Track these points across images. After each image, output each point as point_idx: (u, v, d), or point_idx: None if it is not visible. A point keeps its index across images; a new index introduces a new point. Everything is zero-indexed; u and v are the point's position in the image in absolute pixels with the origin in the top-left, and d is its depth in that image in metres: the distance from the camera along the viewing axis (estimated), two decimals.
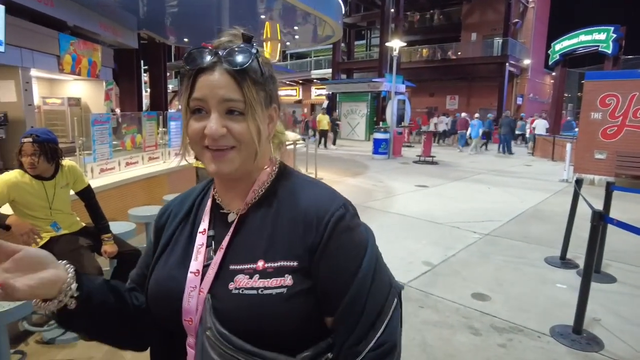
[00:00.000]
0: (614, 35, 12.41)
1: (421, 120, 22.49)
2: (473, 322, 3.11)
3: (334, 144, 17.68)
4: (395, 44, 13.56)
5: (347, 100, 21.58)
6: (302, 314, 0.70)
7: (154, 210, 3.72)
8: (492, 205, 6.98)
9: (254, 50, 0.70)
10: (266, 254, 0.71)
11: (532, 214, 6.48)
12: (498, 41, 23.61)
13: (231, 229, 0.75)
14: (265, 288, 0.68)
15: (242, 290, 0.69)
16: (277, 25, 9.41)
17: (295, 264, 0.70)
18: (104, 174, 4.02)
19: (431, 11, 27.83)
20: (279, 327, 0.68)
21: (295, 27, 10.33)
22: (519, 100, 24.90)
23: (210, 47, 0.71)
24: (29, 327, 2.76)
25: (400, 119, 18.01)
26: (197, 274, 0.73)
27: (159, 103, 13.19)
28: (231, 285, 0.70)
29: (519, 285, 3.80)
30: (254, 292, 0.68)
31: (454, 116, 20.10)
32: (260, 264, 0.70)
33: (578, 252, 4.19)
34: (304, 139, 9.90)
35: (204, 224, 0.79)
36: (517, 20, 24.46)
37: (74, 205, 2.86)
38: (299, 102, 31.92)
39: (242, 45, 0.70)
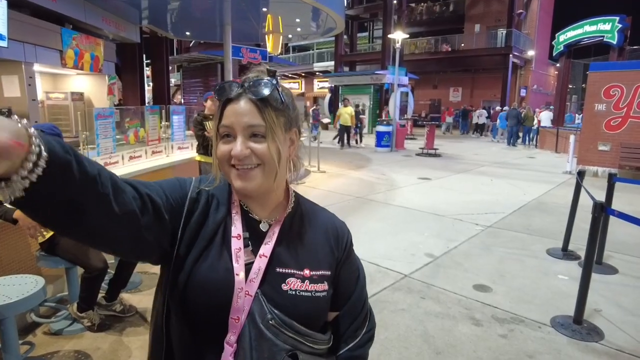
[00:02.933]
0: (619, 26, 12.27)
1: (447, 113, 22.57)
2: (474, 313, 3.14)
3: (358, 141, 15.31)
4: (398, 35, 13.48)
5: (350, 93, 21.49)
6: (328, 310, 0.93)
7: None
8: (494, 197, 6.98)
9: (274, 82, 0.81)
10: (311, 264, 0.88)
11: (535, 206, 6.48)
12: (502, 32, 23.41)
13: (273, 240, 0.86)
14: (316, 291, 0.87)
15: (298, 292, 0.85)
16: (279, 18, 9.37)
17: (329, 273, 0.90)
18: (108, 168, 4.04)
19: (434, 2, 27.61)
20: (321, 318, 0.91)
21: (297, 20, 10.27)
22: (523, 92, 24.75)
23: (238, 82, 0.82)
24: (37, 318, 2.81)
25: (403, 111, 17.98)
26: (241, 276, 0.82)
27: (162, 97, 13.20)
28: (284, 287, 0.84)
29: (521, 276, 3.82)
30: (309, 294, 0.86)
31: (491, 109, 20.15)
32: (307, 272, 0.87)
33: (580, 243, 4.20)
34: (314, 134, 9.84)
35: (236, 229, 0.85)
36: (521, 11, 24.23)
37: None
38: (302, 95, 31.83)
39: (265, 78, 0.81)
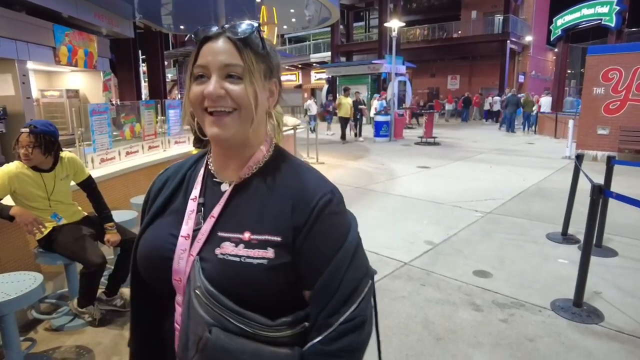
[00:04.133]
0: (617, 8, 12.18)
1: (447, 100, 22.52)
2: (475, 299, 3.14)
3: (359, 135, 14.08)
4: (394, 24, 13.39)
5: (347, 83, 21.31)
6: (281, 285, 0.76)
7: None
8: (494, 184, 6.97)
9: (255, 24, 0.77)
10: (253, 227, 0.76)
11: (535, 191, 6.48)
12: (499, 18, 23.24)
13: (224, 199, 0.80)
14: (248, 257, 0.74)
15: (227, 256, 0.75)
16: (273, 8, 9.30)
17: (279, 239, 0.75)
18: (105, 164, 4.04)
19: None
20: (258, 293, 0.74)
21: (292, 10, 10.20)
22: (521, 78, 24.64)
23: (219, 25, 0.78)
24: (38, 315, 2.82)
25: (401, 100, 17.89)
26: (187, 238, 0.79)
27: (158, 92, 13.15)
28: (217, 251, 0.76)
29: (521, 261, 3.82)
30: (237, 259, 0.74)
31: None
32: (247, 235, 0.76)
33: (580, 227, 4.18)
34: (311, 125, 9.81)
35: (195, 191, 0.84)
36: None
37: (75, 195, 2.89)
38: (299, 87, 31.72)
39: (244, 21, 0.77)
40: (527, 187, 6.68)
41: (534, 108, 15.79)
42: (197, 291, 0.74)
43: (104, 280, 2.87)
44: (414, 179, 7.52)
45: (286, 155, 0.87)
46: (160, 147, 5.06)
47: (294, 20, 11.58)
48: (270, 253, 0.75)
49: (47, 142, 2.54)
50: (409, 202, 5.93)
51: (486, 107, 21.03)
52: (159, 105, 5.19)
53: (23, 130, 2.53)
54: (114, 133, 4.55)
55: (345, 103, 12.87)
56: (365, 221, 4.93)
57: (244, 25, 0.76)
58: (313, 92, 30.38)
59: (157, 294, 0.85)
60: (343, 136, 13.24)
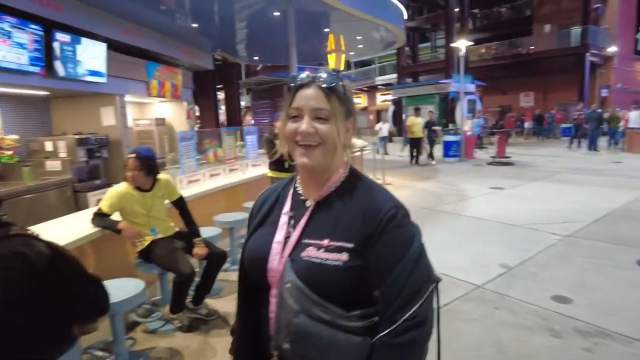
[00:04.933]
0: None
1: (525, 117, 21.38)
2: (553, 325, 3.01)
3: (431, 157, 12.76)
4: (462, 44, 13.22)
5: (414, 104, 21.24)
6: (353, 283, 0.92)
7: (236, 216, 4.09)
8: (574, 205, 6.55)
9: (340, 76, 0.99)
10: (331, 235, 0.95)
11: (621, 214, 6.00)
12: (576, 31, 21.92)
13: (308, 213, 1.01)
14: (327, 259, 0.92)
15: (311, 258, 0.94)
16: (341, 37, 9.65)
17: (352, 245, 0.93)
18: (191, 185, 4.46)
19: (499, 6, 26.60)
20: (334, 289, 0.92)
21: (358, 37, 10.50)
22: (604, 92, 22.82)
23: (309, 72, 0.99)
24: (137, 318, 3.17)
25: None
26: (280, 244, 0.99)
27: (234, 119, 14.03)
28: (303, 254, 0.95)
29: (606, 288, 3.58)
30: (319, 261, 0.93)
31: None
32: (326, 241, 0.94)
33: None
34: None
35: (286, 207, 1.05)
36: (598, 5, 22.55)
37: (167, 212, 3.25)
38: (364, 109, 32.02)
39: (332, 72, 0.99)
40: (613, 209, 6.20)
41: (620, 124, 14.57)
42: (287, 285, 0.92)
43: (190, 291, 3.17)
44: (486, 200, 7.29)
45: (359, 175, 1.05)
46: (239, 169, 5.46)
47: (360, 46, 11.88)
48: (344, 256, 0.92)
49: (149, 166, 2.93)
50: (481, 223, 5.77)
51: (567, 124, 19.50)
52: (238, 132, 5.61)
53: (130, 156, 2.94)
54: (198, 157, 5.00)
55: (417, 123, 12.20)
56: (434, 242, 4.87)
57: (330, 76, 0.97)
58: (379, 114, 30.51)
59: (259, 288, 1.04)
60: (415, 158, 12.52)
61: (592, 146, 14.61)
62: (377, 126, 16.86)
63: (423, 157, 12.85)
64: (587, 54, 21.16)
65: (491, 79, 23.22)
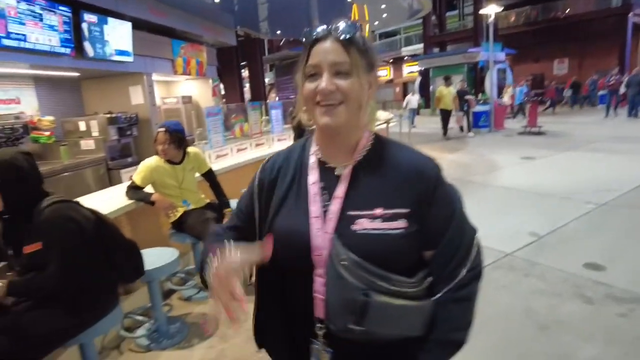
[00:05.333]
0: None
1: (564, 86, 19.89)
2: (585, 291, 2.97)
3: (468, 128, 12.16)
4: (491, 10, 12.66)
5: (442, 74, 20.55)
6: (412, 249, 0.90)
7: None
8: (610, 174, 6.30)
9: (357, 25, 0.89)
10: (382, 203, 0.88)
11: None
12: None
13: (345, 182, 0.92)
14: (389, 229, 0.87)
15: (368, 231, 0.87)
16: (364, 6, 9.42)
17: (408, 210, 0.88)
18: (219, 159, 4.54)
19: None
20: (398, 257, 0.88)
21: (383, 6, 10.22)
22: None
23: (324, 26, 0.90)
24: (173, 286, 3.32)
25: (501, 89, 16.81)
26: (318, 218, 0.90)
27: (259, 95, 14.06)
28: (354, 227, 0.88)
29: None
30: (379, 231, 0.87)
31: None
32: (379, 210, 0.88)
33: None
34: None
35: (312, 177, 0.95)
36: None
37: (198, 185, 3.34)
38: (390, 82, 31.40)
39: (347, 21, 0.89)
40: None
41: None
42: (343, 262, 0.84)
43: None
44: (517, 170, 7.12)
45: (385, 138, 0.99)
46: (265, 144, 5.51)
47: (385, 15, 11.57)
48: (402, 223, 0.87)
49: (179, 139, 3.00)
50: (511, 193, 5.66)
51: (622, 90, 17.87)
52: (263, 107, 5.64)
53: (159, 129, 3.01)
54: (226, 132, 5.07)
55: (447, 94, 11.33)
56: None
57: (348, 26, 0.87)
58: (406, 86, 29.87)
59: (294, 269, 0.94)
60: (445, 131, 11.78)
61: (633, 112, 13.89)
62: (406, 98, 16.40)
63: (455, 129, 12.19)
64: (630, 15, 19.83)
65: (522, 47, 22.25)
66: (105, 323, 1.95)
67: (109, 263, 2.01)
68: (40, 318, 1.75)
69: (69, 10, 4.97)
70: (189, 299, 3.24)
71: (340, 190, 0.91)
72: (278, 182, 0.98)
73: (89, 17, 5.31)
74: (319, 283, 0.90)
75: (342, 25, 0.88)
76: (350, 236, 0.87)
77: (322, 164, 0.96)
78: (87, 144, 5.78)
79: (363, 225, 0.87)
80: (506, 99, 14.19)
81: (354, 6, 9.42)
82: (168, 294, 3.31)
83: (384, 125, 8.07)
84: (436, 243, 0.90)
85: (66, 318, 1.80)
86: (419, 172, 0.91)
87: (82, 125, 5.89)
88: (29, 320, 1.73)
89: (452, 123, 11.83)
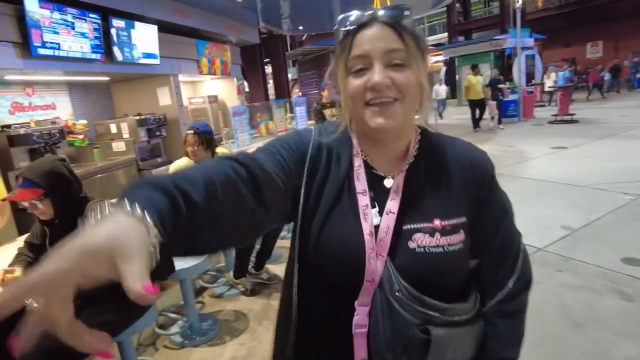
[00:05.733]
0: None
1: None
2: (624, 288, 2.87)
3: (499, 121, 11.34)
4: None
5: (468, 63, 20.09)
6: (466, 264, 0.79)
7: None
8: None
9: (407, 7, 0.74)
10: (441, 213, 0.75)
11: None
12: None
13: (399, 195, 0.76)
14: (450, 245, 0.73)
15: (427, 249, 0.72)
16: None
17: (464, 219, 0.76)
18: None
19: None
20: (458, 278, 0.77)
21: None
22: None
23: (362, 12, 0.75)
24: (204, 284, 3.41)
25: (530, 76, 16.30)
26: (371, 236, 0.74)
27: (282, 91, 14.13)
28: (411, 244, 0.73)
29: None
30: (441, 249, 0.73)
31: None
32: (437, 222, 0.74)
33: None
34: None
35: (360, 185, 0.77)
36: None
37: None
38: None
39: (394, 4, 0.75)
40: None
41: None
42: (398, 294, 0.71)
43: (252, 258, 3.35)
44: (548, 161, 6.91)
45: (431, 132, 0.84)
46: None
47: (407, 5, 11.37)
48: (462, 235, 0.75)
49: (207, 140, 3.07)
50: (542, 185, 5.51)
51: None
52: (287, 104, 5.68)
53: (188, 132, 3.08)
54: (252, 131, 5.14)
55: (476, 83, 10.54)
56: None
57: (396, 9, 0.73)
58: (430, 76, 29.31)
59: (335, 294, 0.77)
60: (475, 123, 11.04)
61: None
62: (434, 89, 15.99)
63: (487, 121, 11.40)
64: None
65: (552, 31, 21.48)
66: (142, 321, 2.03)
67: None
68: (90, 313, 1.83)
69: (99, 17, 5.12)
70: (220, 296, 3.32)
71: (394, 205, 0.75)
72: (331, 173, 0.79)
73: (117, 23, 5.46)
74: (362, 313, 0.74)
75: (387, 8, 0.73)
76: (406, 256, 0.73)
77: (370, 169, 0.79)
78: (118, 146, 5.96)
79: (420, 241, 0.73)
80: (549, 83, 13.65)
81: None
82: (200, 291, 3.40)
83: None
84: (484, 250, 0.80)
85: (114, 313, 1.88)
86: (476, 168, 0.79)
87: (113, 128, 6.08)
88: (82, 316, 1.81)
89: (487, 114, 11.22)
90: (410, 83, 0.72)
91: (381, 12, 0.72)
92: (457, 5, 24.00)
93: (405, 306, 0.70)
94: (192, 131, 3.04)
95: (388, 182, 0.78)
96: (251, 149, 3.19)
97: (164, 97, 6.83)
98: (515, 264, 0.81)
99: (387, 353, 0.73)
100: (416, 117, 0.80)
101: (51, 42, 4.45)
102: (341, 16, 0.76)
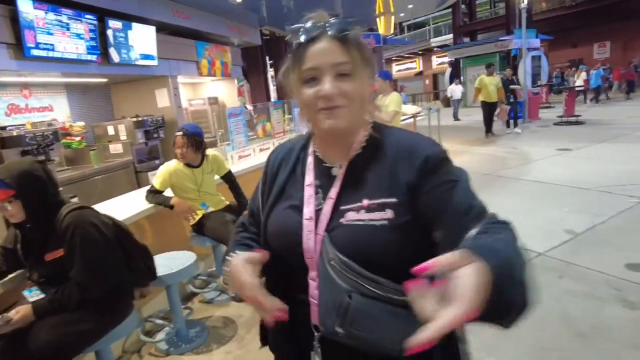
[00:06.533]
0: None
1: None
2: (628, 295, 2.75)
3: (515, 125, 10.62)
4: None
5: (473, 65, 20.02)
6: (404, 244, 0.80)
7: None
8: None
9: (352, 20, 0.82)
10: (370, 194, 0.83)
11: None
12: None
13: (339, 182, 0.87)
14: (370, 220, 0.81)
15: (352, 222, 0.82)
16: None
17: (395, 199, 0.81)
18: (242, 160, 4.53)
19: None
20: (385, 253, 0.79)
21: None
22: None
23: (312, 24, 0.82)
24: (194, 289, 3.32)
25: (535, 77, 16.10)
26: (311, 220, 0.86)
27: (286, 94, 14.04)
28: (342, 220, 0.83)
29: None
30: (361, 222, 0.81)
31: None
32: (365, 201, 0.82)
33: None
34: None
35: (309, 177, 0.91)
36: None
37: (218, 187, 3.32)
38: (420, 74, 30.79)
39: (338, 17, 0.82)
40: None
41: None
42: (332, 263, 0.79)
43: None
44: (552, 163, 6.77)
45: (383, 126, 0.92)
46: None
47: (410, 6, 11.28)
48: (389, 214, 0.80)
49: (197, 142, 2.99)
50: (546, 187, 5.37)
51: None
52: (285, 105, 5.60)
53: (177, 133, 3.01)
54: (249, 133, 5.06)
55: (488, 84, 9.62)
56: (494, 209, 4.53)
57: (343, 22, 0.81)
58: (436, 78, 29.19)
59: (289, 268, 0.90)
60: (488, 128, 10.11)
61: None
62: (449, 88, 15.57)
63: (499, 124, 10.66)
64: None
65: (558, 32, 21.25)
66: (122, 328, 1.95)
67: (128, 267, 2.02)
68: (59, 322, 1.75)
69: (95, 18, 5.07)
70: (211, 301, 3.24)
71: (334, 191, 0.87)
72: (278, 176, 0.96)
73: (114, 24, 5.42)
74: (312, 287, 0.86)
75: (335, 21, 0.81)
76: (338, 229, 0.83)
77: (320, 163, 0.92)
78: (115, 148, 5.92)
79: (349, 217, 0.83)
80: (579, 82, 13.33)
81: None
82: (190, 297, 3.32)
83: (411, 120, 7.87)
84: (442, 215, 0.77)
85: (85, 323, 1.80)
86: (411, 157, 0.83)
87: (111, 130, 6.04)
88: (45, 328, 1.73)
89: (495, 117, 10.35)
90: (356, 90, 0.82)
91: (330, 25, 0.81)
92: (463, 6, 23.84)
93: (338, 273, 0.77)
94: (180, 133, 2.96)
95: (335, 171, 0.90)
96: (247, 151, 3.09)
97: (163, 99, 6.78)
98: (482, 214, 0.75)
99: (326, 320, 0.80)
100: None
101: (45, 43, 4.41)
102: (293, 27, 0.84)
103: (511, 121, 10.81)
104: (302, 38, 0.82)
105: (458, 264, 0.55)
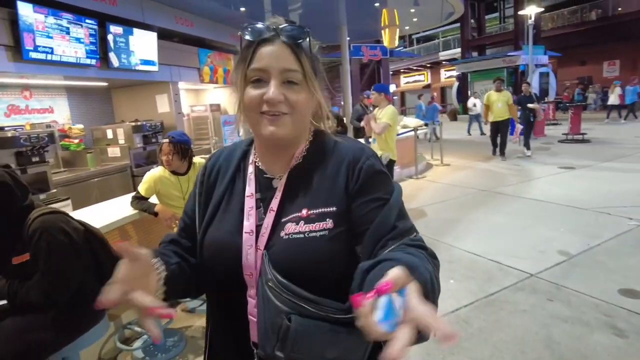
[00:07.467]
0: None
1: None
2: (617, 322, 2.67)
3: (526, 145, 9.14)
4: (531, 10, 12.10)
5: (480, 79, 20.05)
6: (344, 255, 0.79)
7: None
8: None
9: (307, 29, 0.80)
10: (309, 204, 0.81)
11: None
12: None
13: (280, 192, 0.84)
14: (311, 231, 0.78)
15: (291, 235, 0.79)
16: (395, 10, 9.22)
17: (334, 209, 0.80)
18: None
19: None
20: (323, 269, 0.77)
21: (412, 10, 9.97)
22: None
23: (267, 25, 0.80)
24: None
25: (544, 94, 16.03)
26: (251, 234, 0.82)
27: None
28: (282, 234, 0.80)
29: None
30: (301, 235, 0.78)
31: None
32: (304, 211, 0.80)
33: None
34: (426, 124, 9.46)
35: (250, 189, 0.87)
36: None
37: None
38: (428, 86, 30.80)
39: (296, 24, 0.80)
40: None
41: None
42: (270, 284, 0.75)
43: None
44: (553, 181, 6.68)
45: (323, 134, 0.90)
46: None
47: (415, 20, 11.29)
48: (329, 223, 0.79)
49: (183, 150, 2.96)
50: (544, 206, 5.29)
51: None
52: None
53: (164, 140, 2.99)
54: None
55: (495, 101, 8.56)
56: (488, 227, 4.53)
57: (298, 29, 0.79)
58: (444, 91, 29.16)
59: (228, 285, 0.84)
60: (501, 149, 8.99)
61: None
62: (470, 102, 15.02)
63: (513, 146, 9.44)
64: None
65: (567, 49, 21.20)
66: (90, 336, 1.92)
67: (98, 275, 1.99)
68: (19, 329, 1.72)
69: (95, 23, 5.11)
70: (193, 310, 3.20)
71: (275, 203, 0.83)
72: (216, 186, 0.91)
73: (115, 29, 5.46)
74: (251, 305, 0.82)
75: (290, 27, 0.79)
76: (277, 245, 0.79)
77: (260, 174, 0.89)
78: (113, 151, 5.93)
79: (288, 230, 0.79)
80: (613, 98, 13.10)
81: (384, 11, 9.25)
82: (172, 305, 3.27)
83: (412, 133, 7.82)
84: (365, 231, 0.77)
85: (47, 331, 1.77)
86: (350, 164, 0.83)
87: (110, 133, 6.05)
88: (3, 338, 1.70)
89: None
90: (301, 101, 0.79)
91: (284, 29, 0.78)
92: (472, 21, 23.88)
93: (276, 295, 0.74)
94: (167, 140, 2.94)
95: (275, 182, 0.86)
96: None
97: (163, 104, 6.80)
98: (403, 234, 0.75)
99: (265, 343, 0.75)
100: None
101: (44, 47, 4.44)
102: (246, 24, 0.80)
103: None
104: (252, 37, 0.79)
105: (404, 283, 0.53)
